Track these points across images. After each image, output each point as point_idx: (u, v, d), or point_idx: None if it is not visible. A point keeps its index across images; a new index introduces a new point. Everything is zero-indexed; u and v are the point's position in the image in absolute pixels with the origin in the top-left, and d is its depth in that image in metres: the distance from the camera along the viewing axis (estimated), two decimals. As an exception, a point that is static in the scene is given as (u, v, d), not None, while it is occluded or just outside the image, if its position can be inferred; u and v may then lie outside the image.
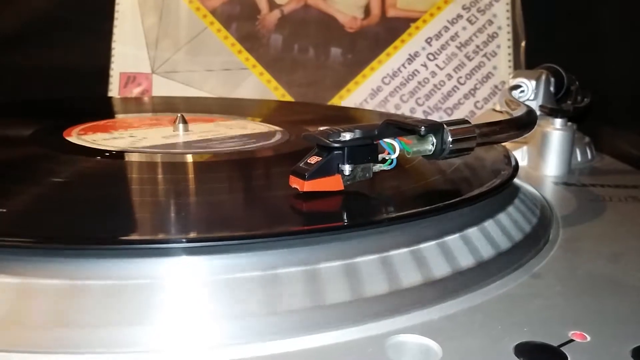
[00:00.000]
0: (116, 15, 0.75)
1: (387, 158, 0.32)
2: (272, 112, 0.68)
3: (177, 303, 0.23)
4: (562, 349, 0.23)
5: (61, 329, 0.22)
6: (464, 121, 0.34)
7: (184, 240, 0.25)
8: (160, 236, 0.26)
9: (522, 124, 0.39)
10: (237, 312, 0.23)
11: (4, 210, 0.29)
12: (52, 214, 0.28)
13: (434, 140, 0.33)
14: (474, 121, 0.35)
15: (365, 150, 0.31)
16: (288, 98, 0.74)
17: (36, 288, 0.23)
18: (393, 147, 0.31)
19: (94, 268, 0.24)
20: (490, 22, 0.75)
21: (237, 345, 0.23)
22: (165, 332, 0.23)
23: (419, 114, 0.73)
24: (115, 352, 0.22)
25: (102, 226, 0.27)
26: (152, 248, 0.25)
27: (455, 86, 0.74)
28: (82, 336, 0.22)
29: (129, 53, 0.74)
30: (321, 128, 0.31)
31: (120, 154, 0.40)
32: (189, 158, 0.41)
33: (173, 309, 0.23)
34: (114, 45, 0.74)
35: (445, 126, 0.33)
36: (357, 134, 0.30)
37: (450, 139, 0.32)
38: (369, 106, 0.74)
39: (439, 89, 0.74)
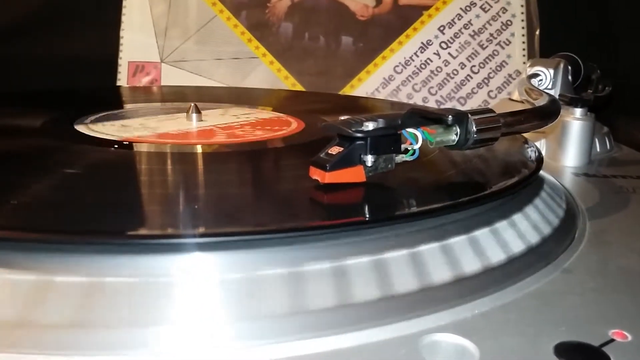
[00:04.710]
0: (124, 3, 0.74)
1: (409, 148, 0.31)
2: (283, 101, 0.66)
3: (193, 302, 0.22)
4: (603, 349, 0.22)
5: (66, 329, 0.21)
6: (488, 110, 0.33)
7: (197, 235, 0.24)
8: (172, 231, 0.25)
9: (546, 114, 0.37)
10: (260, 312, 0.22)
11: (15, 202, 0.28)
12: (62, 207, 0.27)
13: (458, 130, 0.31)
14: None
15: (388, 141, 0.30)
16: (299, 87, 0.73)
17: (39, 285, 0.22)
18: (416, 137, 0.30)
19: (104, 265, 0.23)
20: (504, 10, 0.74)
21: (261, 347, 0.21)
22: (180, 332, 0.22)
23: (431, 104, 0.72)
24: (125, 354, 0.21)
25: (112, 221, 0.25)
26: (165, 244, 0.24)
27: (468, 75, 0.73)
28: (90, 337, 0.21)
29: (137, 42, 0.73)
30: (342, 117, 0.30)
31: (130, 145, 0.39)
32: (201, 149, 0.40)
33: (188, 307, 0.22)
34: (122, 34, 0.73)
35: (469, 115, 0.31)
36: (381, 123, 0.29)
37: (474, 128, 0.31)
38: (381, 95, 0.73)
39: (452, 78, 0.73)
